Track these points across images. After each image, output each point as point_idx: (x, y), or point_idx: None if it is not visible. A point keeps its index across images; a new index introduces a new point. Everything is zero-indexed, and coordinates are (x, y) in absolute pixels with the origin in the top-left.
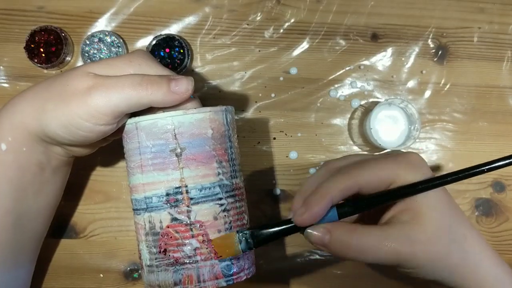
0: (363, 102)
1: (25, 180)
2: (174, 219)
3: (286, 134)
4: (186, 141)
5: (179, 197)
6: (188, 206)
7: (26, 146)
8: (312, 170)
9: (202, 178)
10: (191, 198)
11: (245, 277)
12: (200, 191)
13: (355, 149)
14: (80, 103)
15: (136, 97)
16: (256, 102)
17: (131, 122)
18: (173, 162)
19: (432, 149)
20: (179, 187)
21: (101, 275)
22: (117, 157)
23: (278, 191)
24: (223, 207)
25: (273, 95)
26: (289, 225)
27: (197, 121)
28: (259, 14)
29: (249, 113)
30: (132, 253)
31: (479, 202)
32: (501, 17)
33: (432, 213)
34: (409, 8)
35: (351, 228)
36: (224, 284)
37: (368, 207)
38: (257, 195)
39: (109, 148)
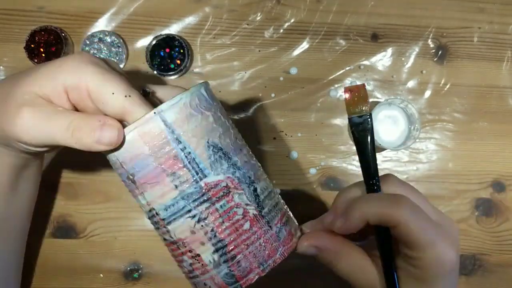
0: None
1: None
2: (163, 239)
3: (286, 134)
4: (131, 166)
5: (155, 219)
6: (165, 227)
7: None
8: (312, 170)
9: (162, 198)
10: (163, 219)
11: (257, 277)
12: (166, 210)
13: (355, 149)
14: (9, 128)
15: (59, 138)
16: (256, 102)
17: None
18: (134, 189)
19: (432, 149)
20: (151, 211)
21: (101, 275)
22: None
23: (278, 191)
24: (196, 218)
25: (273, 95)
26: None
27: (129, 143)
28: (259, 14)
29: (249, 113)
30: (132, 253)
31: (479, 202)
32: (501, 17)
33: None
34: (409, 8)
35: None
36: None
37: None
38: None
39: None
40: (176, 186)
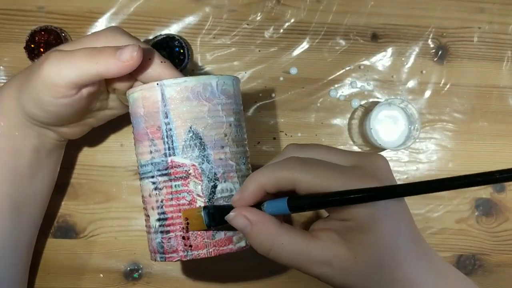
0: (363, 102)
1: (21, 164)
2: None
3: (286, 134)
4: (132, 120)
5: (138, 171)
6: (140, 180)
7: (18, 131)
8: None
9: (141, 155)
10: (139, 173)
11: (178, 259)
12: (141, 167)
13: (355, 149)
14: (36, 77)
15: (84, 68)
16: (256, 102)
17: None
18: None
19: (432, 149)
20: (137, 161)
21: (101, 275)
22: (117, 157)
23: None
24: (155, 185)
25: (273, 95)
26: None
27: (133, 100)
28: (259, 14)
29: (249, 113)
30: (132, 253)
31: (479, 202)
32: (501, 17)
33: (368, 239)
34: (409, 8)
35: (275, 228)
36: (159, 259)
37: (322, 206)
38: None
39: (109, 148)
40: (151, 152)
